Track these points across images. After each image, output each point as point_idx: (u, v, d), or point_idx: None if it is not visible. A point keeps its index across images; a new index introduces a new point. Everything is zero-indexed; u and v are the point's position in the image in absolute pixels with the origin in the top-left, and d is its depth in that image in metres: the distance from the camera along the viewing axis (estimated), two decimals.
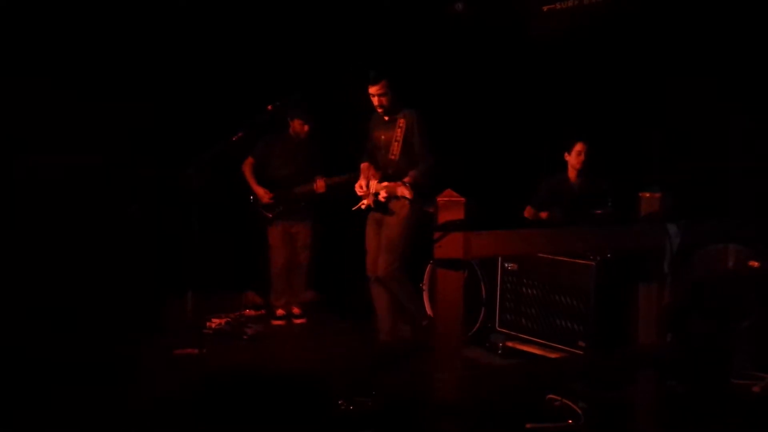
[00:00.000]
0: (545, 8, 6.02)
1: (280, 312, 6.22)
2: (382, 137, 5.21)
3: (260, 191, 6.14)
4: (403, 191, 4.88)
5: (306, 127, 6.12)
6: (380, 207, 5.17)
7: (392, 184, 5.00)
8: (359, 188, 5.26)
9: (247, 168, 6.19)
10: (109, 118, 5.83)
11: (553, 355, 4.90)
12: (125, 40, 6.14)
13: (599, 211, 5.18)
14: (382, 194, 5.07)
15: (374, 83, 5.07)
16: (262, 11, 6.73)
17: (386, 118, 5.19)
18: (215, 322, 5.86)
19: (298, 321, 6.22)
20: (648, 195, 3.17)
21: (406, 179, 4.94)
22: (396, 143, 5.11)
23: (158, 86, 6.24)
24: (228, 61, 6.62)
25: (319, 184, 5.98)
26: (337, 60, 6.76)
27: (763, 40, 4.83)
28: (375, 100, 5.11)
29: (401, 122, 5.12)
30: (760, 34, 4.85)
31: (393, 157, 5.11)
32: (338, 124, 6.50)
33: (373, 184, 5.19)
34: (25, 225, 5.57)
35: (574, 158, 5.48)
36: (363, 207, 5.28)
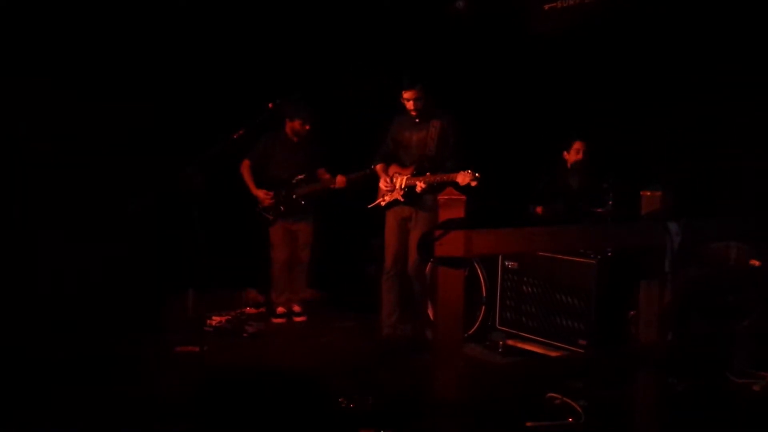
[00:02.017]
0: (546, 7, 6.02)
1: (280, 310, 6.22)
2: (414, 137, 5.29)
3: (260, 194, 6.13)
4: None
5: (307, 127, 6.11)
6: (414, 201, 5.21)
7: (433, 177, 5.06)
8: (384, 184, 5.33)
9: (245, 170, 6.18)
10: (109, 118, 5.83)
11: (553, 354, 4.90)
12: (126, 40, 6.13)
13: (600, 210, 5.19)
14: (420, 185, 5.10)
15: (409, 88, 5.16)
16: (261, 11, 6.72)
17: (417, 120, 5.27)
18: (216, 320, 5.86)
19: (299, 319, 6.22)
20: (649, 193, 3.17)
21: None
22: (431, 141, 5.21)
23: (159, 85, 6.24)
24: (228, 60, 6.62)
25: (340, 180, 5.95)
26: (336, 59, 6.76)
27: (764, 35, 4.82)
28: (410, 104, 5.19)
29: (436, 123, 5.21)
30: (761, 29, 4.85)
31: (430, 153, 5.19)
32: (338, 122, 6.50)
33: (401, 179, 5.25)
34: (26, 224, 5.57)
35: (572, 156, 5.49)
36: (383, 204, 5.32)
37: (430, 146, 5.21)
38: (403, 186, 5.25)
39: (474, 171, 4.80)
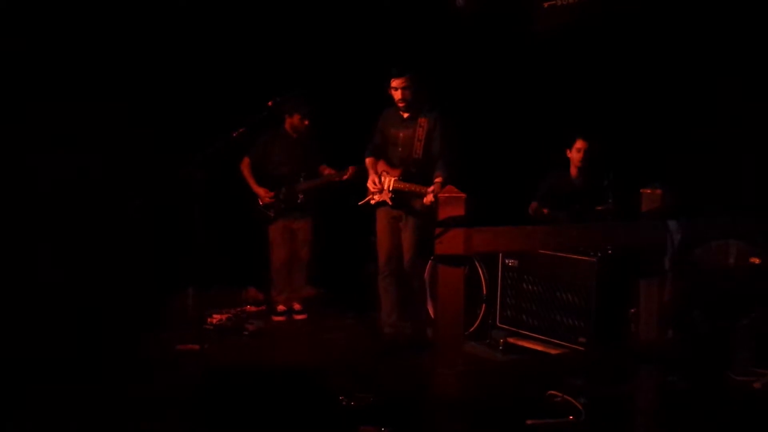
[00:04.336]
0: (546, 4, 6.01)
1: (280, 308, 6.22)
2: (401, 135, 5.20)
3: (261, 191, 6.14)
4: (430, 199, 4.89)
5: (306, 122, 6.11)
6: (402, 205, 5.17)
7: (422, 188, 4.97)
8: (372, 184, 5.25)
9: (245, 168, 6.19)
10: (110, 117, 5.83)
11: (553, 351, 4.90)
12: (128, 37, 6.13)
13: (600, 208, 5.19)
14: (430, 200, 4.99)
15: (398, 76, 5.05)
16: (262, 8, 6.72)
17: (405, 115, 5.17)
18: (216, 318, 5.86)
19: (299, 317, 6.22)
20: (649, 191, 3.17)
21: (433, 188, 4.91)
22: (418, 142, 5.10)
23: (161, 83, 6.24)
24: (230, 58, 6.62)
25: (351, 171, 5.85)
26: (336, 56, 6.75)
27: (764, 32, 4.82)
28: (398, 94, 5.07)
29: (422, 122, 5.10)
30: (762, 27, 4.84)
31: (417, 156, 5.10)
32: (339, 121, 6.49)
33: (389, 180, 5.18)
34: (28, 222, 5.57)
35: (574, 155, 5.47)
36: (372, 202, 5.28)
37: (417, 148, 5.10)
38: (390, 188, 5.18)
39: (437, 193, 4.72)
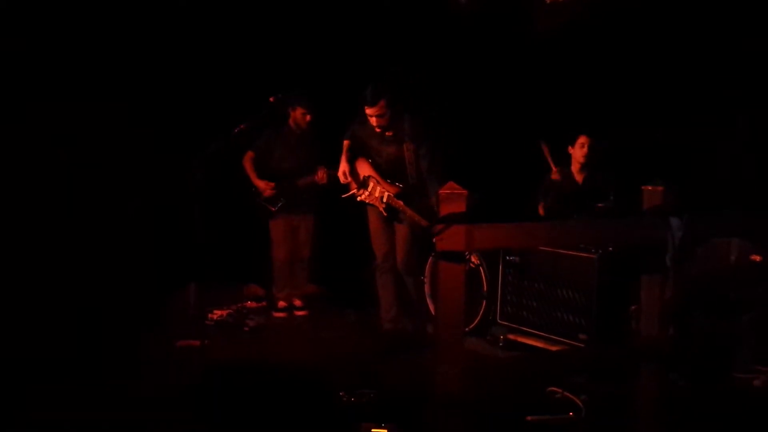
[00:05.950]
0: (548, 1, 6.01)
1: (281, 304, 6.23)
2: (384, 151, 5.14)
3: (261, 184, 6.15)
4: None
5: (308, 117, 6.10)
6: (395, 217, 5.16)
7: (420, 219, 4.94)
8: (343, 176, 5.16)
9: (248, 162, 6.20)
10: (112, 115, 5.83)
11: (554, 348, 4.90)
12: (128, 37, 6.13)
13: (601, 205, 5.19)
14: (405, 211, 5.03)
15: (372, 104, 4.87)
16: (262, 8, 6.72)
17: (388, 134, 5.08)
18: (217, 314, 5.87)
19: (300, 313, 6.24)
20: (650, 188, 3.17)
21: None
22: (410, 166, 5.04)
23: (161, 83, 6.24)
24: (230, 58, 6.62)
25: (321, 175, 5.94)
26: (337, 56, 6.75)
27: (764, 31, 4.82)
28: (373, 121, 4.94)
29: (410, 147, 5.00)
30: (761, 25, 4.85)
31: (413, 182, 5.06)
32: (339, 121, 6.50)
33: (384, 193, 5.13)
34: (28, 222, 5.57)
35: (577, 151, 5.46)
36: (358, 200, 5.25)
37: (411, 172, 5.04)
38: (384, 200, 5.12)
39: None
